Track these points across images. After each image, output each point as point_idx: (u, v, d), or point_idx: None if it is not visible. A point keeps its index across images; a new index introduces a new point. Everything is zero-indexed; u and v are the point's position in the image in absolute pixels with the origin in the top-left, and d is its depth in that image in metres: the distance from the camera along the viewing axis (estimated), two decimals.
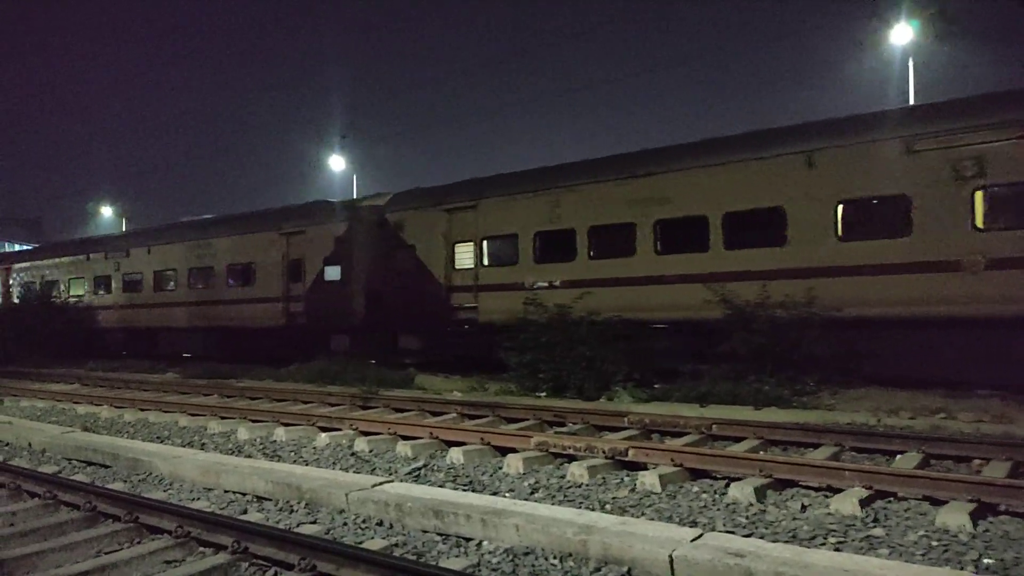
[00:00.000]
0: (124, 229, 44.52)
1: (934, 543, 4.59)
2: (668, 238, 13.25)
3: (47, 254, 28.73)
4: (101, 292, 24.94)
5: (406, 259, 17.16)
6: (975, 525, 4.83)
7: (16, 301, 28.24)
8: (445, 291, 16.32)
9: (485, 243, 15.84)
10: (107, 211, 55.01)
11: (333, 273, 18.22)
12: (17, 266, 29.78)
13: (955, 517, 4.87)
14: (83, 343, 24.41)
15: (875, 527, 4.95)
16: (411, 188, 18.24)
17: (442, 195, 16.82)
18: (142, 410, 11.64)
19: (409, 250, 17.14)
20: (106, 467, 7.52)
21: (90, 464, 7.73)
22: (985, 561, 4.28)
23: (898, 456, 6.85)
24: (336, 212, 18.88)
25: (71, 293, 26.37)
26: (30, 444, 8.81)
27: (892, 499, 5.55)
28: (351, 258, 17.93)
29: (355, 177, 43.23)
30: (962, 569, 4.14)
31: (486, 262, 15.81)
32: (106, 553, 4.76)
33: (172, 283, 22.66)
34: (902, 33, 23.52)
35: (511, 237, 15.39)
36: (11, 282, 29.55)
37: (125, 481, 6.85)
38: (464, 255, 16.19)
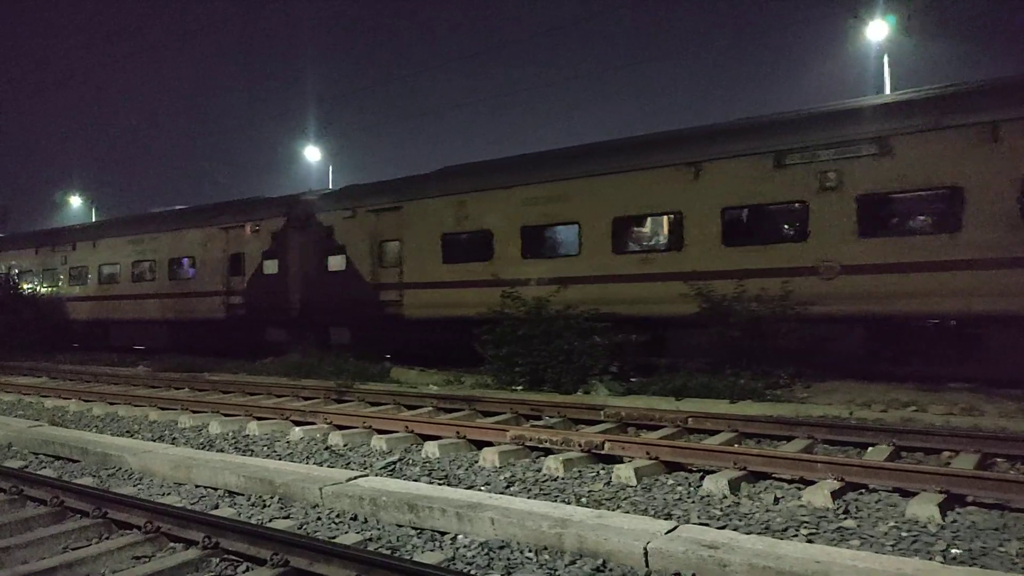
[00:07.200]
0: (94, 218, 43.22)
1: (904, 534, 4.65)
2: None
3: (433, 186, 15.84)
4: (660, 249, 12.85)
5: None
6: (944, 516, 4.90)
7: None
8: None
9: None
10: (76, 201, 54.12)
11: None
12: (333, 215, 17.34)
13: (924, 508, 4.94)
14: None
15: (846, 519, 5.00)
16: None
17: None
18: (111, 404, 11.45)
19: None
20: (74, 462, 7.39)
21: (58, 459, 7.59)
22: (953, 551, 4.34)
23: (869, 448, 6.94)
24: None
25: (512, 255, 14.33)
26: None
27: (863, 491, 5.62)
28: None
29: (331, 168, 42.92)
30: (931, 559, 4.20)
31: None
32: (73, 549, 4.66)
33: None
34: (877, 29, 23.87)
35: None
36: (314, 249, 17.65)
37: (94, 476, 6.72)
38: None
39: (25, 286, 25.96)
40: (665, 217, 12.79)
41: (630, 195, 12.99)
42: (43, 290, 25.71)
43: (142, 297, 21.95)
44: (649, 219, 13.23)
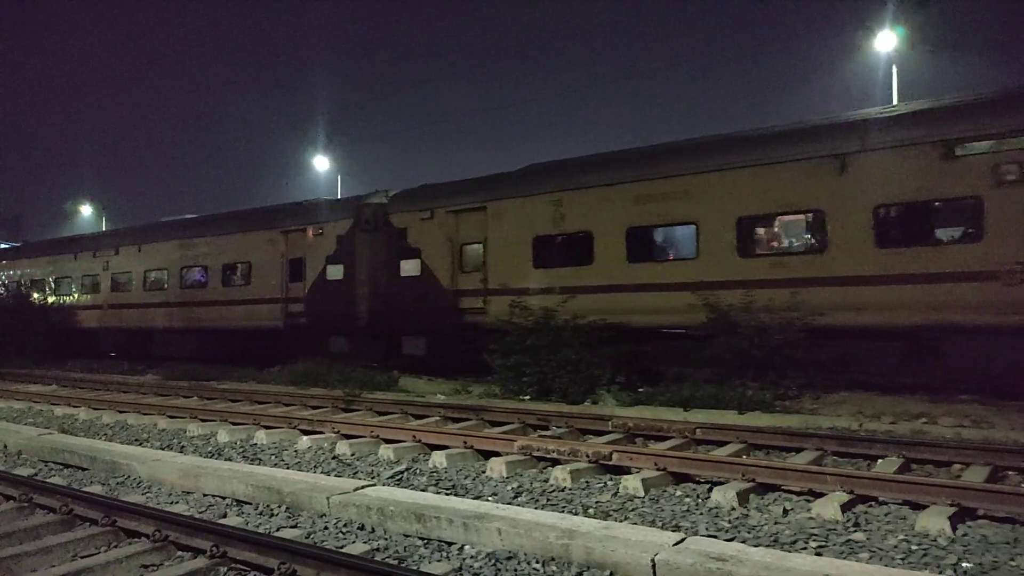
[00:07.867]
0: (104, 228, 43.41)
1: (914, 547, 4.61)
2: None
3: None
4: None
5: None
6: (954, 529, 4.86)
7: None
8: None
9: None
10: (87, 210, 54.62)
11: None
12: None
13: (935, 521, 4.90)
14: None
15: (856, 531, 4.97)
16: None
17: None
18: (121, 412, 11.50)
19: None
20: (84, 470, 7.42)
21: (67, 467, 7.62)
22: (964, 565, 4.31)
23: (879, 460, 6.89)
24: None
25: None
26: (5, 446, 8.67)
27: (873, 503, 5.59)
28: None
29: (339, 177, 43.13)
30: (941, 573, 4.17)
31: None
32: (82, 557, 4.68)
33: None
34: (886, 40, 23.92)
35: None
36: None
37: (103, 484, 6.75)
38: None
39: (63, 293, 24.94)
40: (803, 216, 11.55)
41: (759, 192, 11.74)
42: (83, 297, 24.15)
43: (191, 304, 20.84)
44: (782, 219, 11.90)
